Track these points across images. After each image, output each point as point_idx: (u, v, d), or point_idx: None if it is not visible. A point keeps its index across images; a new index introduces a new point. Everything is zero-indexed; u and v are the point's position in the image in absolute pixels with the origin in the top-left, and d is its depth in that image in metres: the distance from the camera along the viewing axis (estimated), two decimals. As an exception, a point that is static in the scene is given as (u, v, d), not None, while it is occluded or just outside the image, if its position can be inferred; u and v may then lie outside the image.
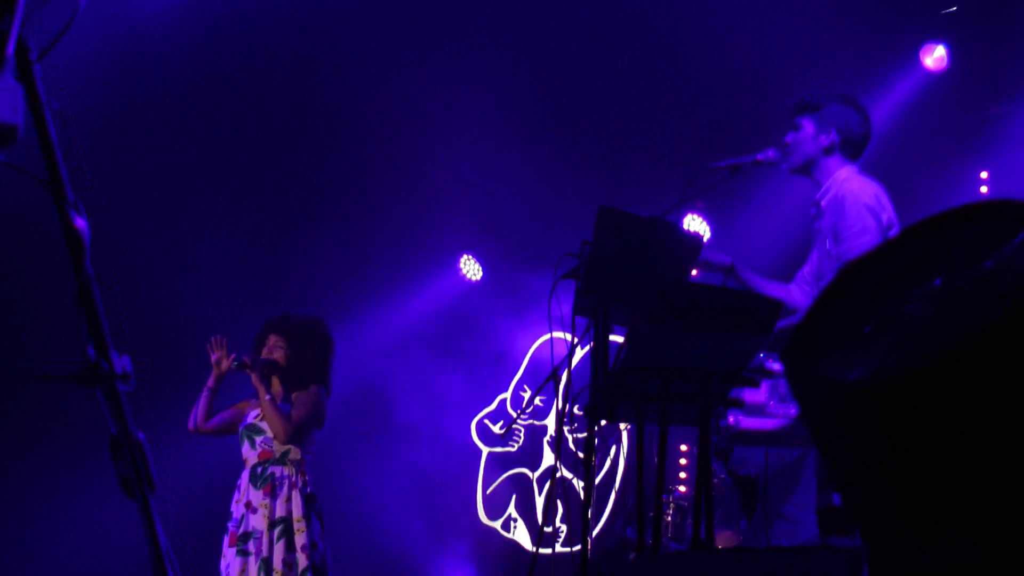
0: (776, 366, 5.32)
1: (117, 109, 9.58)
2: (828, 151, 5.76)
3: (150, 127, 10.00)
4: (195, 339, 9.63)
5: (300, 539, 6.78)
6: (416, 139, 10.53)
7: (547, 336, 10.74)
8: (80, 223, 2.42)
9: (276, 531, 6.78)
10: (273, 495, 6.85)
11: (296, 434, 6.96)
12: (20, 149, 2.57)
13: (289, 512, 6.84)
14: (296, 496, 6.87)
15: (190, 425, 7.15)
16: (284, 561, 6.72)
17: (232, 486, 7.08)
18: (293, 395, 7.12)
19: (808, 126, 5.79)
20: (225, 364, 7.02)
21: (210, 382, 7.07)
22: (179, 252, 10.30)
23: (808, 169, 5.83)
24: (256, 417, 7.06)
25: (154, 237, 10.13)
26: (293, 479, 6.91)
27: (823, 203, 5.71)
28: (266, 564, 6.71)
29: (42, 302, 9.57)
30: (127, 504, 2.49)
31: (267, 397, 6.92)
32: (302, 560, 6.75)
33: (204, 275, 10.36)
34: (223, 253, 10.47)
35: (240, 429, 7.10)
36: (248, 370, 6.98)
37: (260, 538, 6.78)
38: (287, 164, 10.79)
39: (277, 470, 6.92)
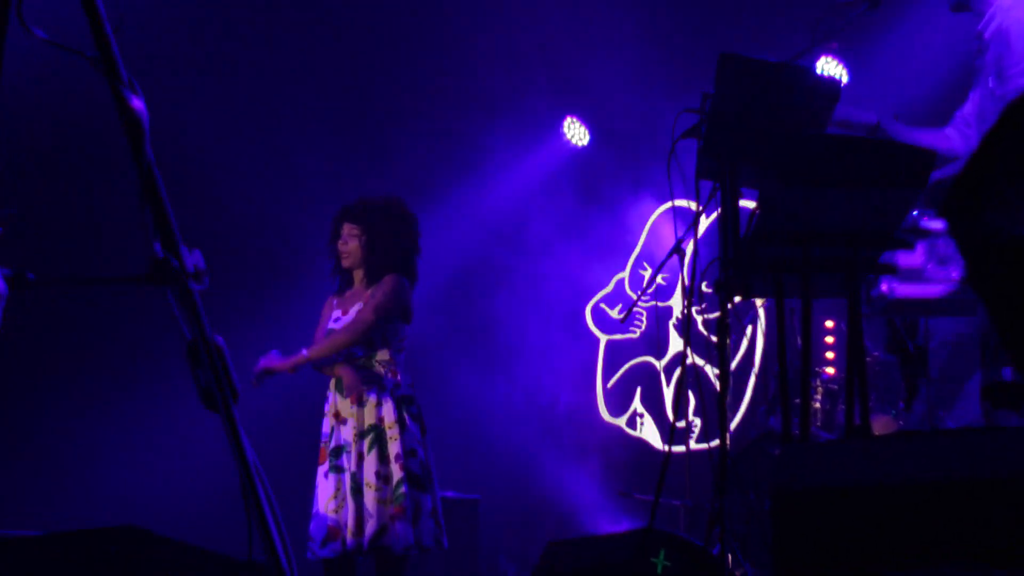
0: (934, 224, 5.26)
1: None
2: (990, -31, 5.60)
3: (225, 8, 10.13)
4: (284, 232, 9.76)
5: (394, 447, 6.75)
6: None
7: (667, 204, 10.72)
8: (137, 104, 2.42)
9: (366, 441, 6.77)
10: (361, 402, 6.85)
11: (367, 334, 6.94)
12: (69, 29, 2.59)
13: (380, 418, 6.82)
14: (387, 399, 6.85)
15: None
16: (377, 474, 6.70)
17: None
18: (368, 291, 7.07)
19: (965, -61, 5.65)
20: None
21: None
22: (264, 137, 10.39)
23: (967, -6, 5.68)
24: (335, 320, 7.06)
25: (236, 127, 10.21)
26: (383, 382, 6.92)
27: (987, 35, 5.55)
28: (355, 480, 6.71)
29: (96, 205, 9.74)
30: (210, 418, 2.52)
31: (338, 364, 6.98)
32: (396, 471, 6.72)
33: (291, 160, 10.46)
34: (311, 130, 10.54)
35: (324, 335, 7.13)
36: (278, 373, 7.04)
37: (351, 452, 6.78)
38: (372, 38, 10.80)
39: (363, 375, 6.93)
